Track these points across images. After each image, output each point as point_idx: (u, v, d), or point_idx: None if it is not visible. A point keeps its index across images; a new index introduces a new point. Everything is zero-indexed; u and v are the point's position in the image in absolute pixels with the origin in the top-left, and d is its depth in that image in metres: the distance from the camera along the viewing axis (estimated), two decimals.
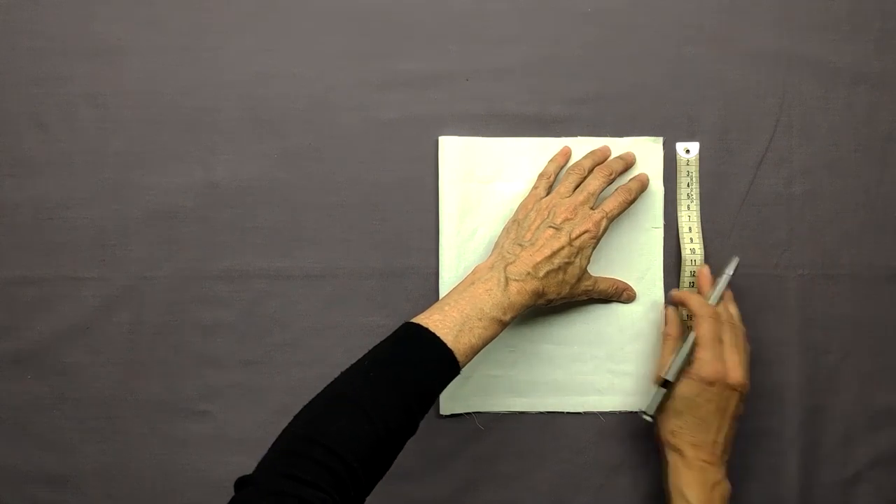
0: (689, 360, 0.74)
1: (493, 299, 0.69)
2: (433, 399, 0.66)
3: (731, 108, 0.82)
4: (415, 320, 0.68)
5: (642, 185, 0.79)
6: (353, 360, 0.80)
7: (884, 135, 0.83)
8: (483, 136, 0.81)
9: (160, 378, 0.80)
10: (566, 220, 0.75)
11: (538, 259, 0.73)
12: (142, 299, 0.80)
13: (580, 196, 0.76)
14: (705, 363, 0.73)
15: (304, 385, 0.80)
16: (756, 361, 0.81)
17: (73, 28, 0.80)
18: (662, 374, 0.75)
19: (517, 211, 0.78)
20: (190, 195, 0.80)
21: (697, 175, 0.81)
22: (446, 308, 0.68)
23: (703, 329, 0.74)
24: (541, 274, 0.72)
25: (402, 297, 0.81)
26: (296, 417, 0.64)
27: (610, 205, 0.76)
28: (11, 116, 0.80)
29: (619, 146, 0.81)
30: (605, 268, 0.81)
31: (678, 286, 0.81)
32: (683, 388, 0.73)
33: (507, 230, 0.78)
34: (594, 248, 0.75)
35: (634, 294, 0.81)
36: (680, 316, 0.79)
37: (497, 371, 0.81)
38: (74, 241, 0.80)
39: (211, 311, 0.80)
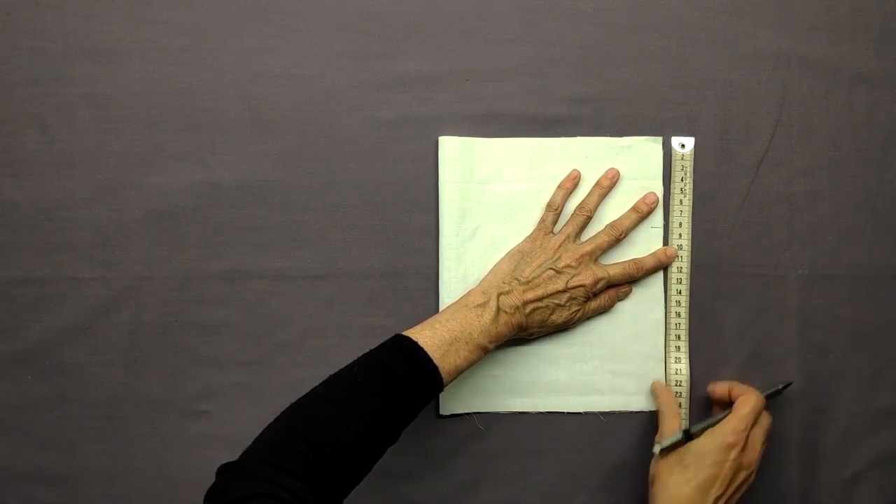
0: (716, 423, 0.74)
1: (482, 326, 0.72)
2: (416, 412, 0.68)
3: (731, 109, 0.82)
4: (406, 333, 0.70)
5: (657, 261, 0.80)
6: (353, 361, 0.80)
7: (884, 135, 0.83)
8: (483, 136, 0.81)
9: (160, 378, 0.80)
10: (568, 266, 0.76)
11: (531, 297, 0.75)
12: (142, 299, 0.80)
13: (588, 247, 0.78)
14: (735, 431, 0.72)
15: (304, 385, 0.80)
16: (756, 361, 0.82)
17: (73, 28, 0.80)
18: (691, 429, 0.74)
19: (525, 241, 0.79)
20: (190, 195, 0.80)
21: (692, 170, 0.81)
22: (437, 326, 0.71)
23: (749, 406, 0.74)
24: (528, 310, 0.75)
25: (402, 297, 0.81)
26: (283, 412, 0.66)
27: (615, 270, 0.78)
28: (11, 116, 0.80)
29: (618, 146, 0.81)
30: None
31: (664, 280, 0.81)
32: (701, 443, 0.73)
33: (510, 256, 0.79)
34: (585, 302, 0.77)
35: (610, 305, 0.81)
36: (667, 389, 0.80)
37: (497, 371, 0.81)
38: (74, 241, 0.80)
39: (211, 311, 0.80)
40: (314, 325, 0.81)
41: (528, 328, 0.76)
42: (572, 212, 0.80)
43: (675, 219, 0.81)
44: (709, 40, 0.82)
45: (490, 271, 0.79)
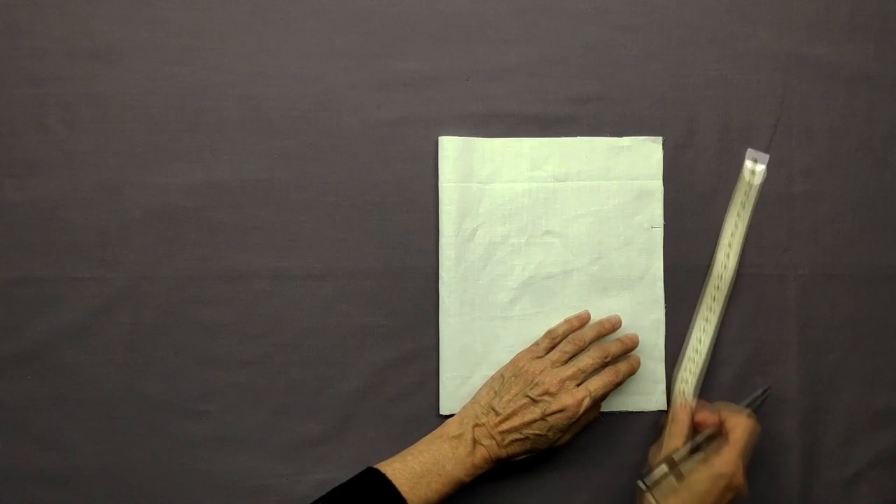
0: (702, 448, 0.73)
1: (456, 458, 0.72)
2: None
3: (731, 108, 0.82)
4: (378, 466, 0.71)
5: (631, 369, 0.77)
6: (353, 361, 0.80)
7: (884, 135, 0.83)
8: (483, 136, 0.81)
9: (160, 378, 0.80)
10: (546, 392, 0.73)
11: (506, 428, 0.73)
12: (142, 299, 0.80)
13: (569, 370, 0.74)
14: (730, 462, 0.71)
15: (304, 385, 0.81)
16: (756, 361, 0.82)
17: (73, 28, 0.80)
18: (675, 457, 0.73)
19: (508, 364, 0.77)
20: (190, 195, 0.80)
21: (757, 192, 0.79)
22: (409, 458, 0.71)
23: (741, 431, 0.73)
24: (506, 442, 0.73)
25: (402, 297, 0.81)
26: None
27: (595, 384, 0.74)
28: (11, 116, 0.80)
29: (618, 146, 0.81)
30: (605, 267, 0.81)
31: (702, 290, 0.81)
32: (696, 476, 0.71)
33: (490, 382, 0.77)
34: (571, 425, 0.74)
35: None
36: (689, 409, 0.77)
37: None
38: (74, 241, 0.80)
39: (211, 311, 0.80)
40: (314, 325, 0.81)
41: (510, 458, 0.74)
42: (567, 340, 0.77)
43: (727, 232, 0.80)
44: (709, 40, 0.82)
45: (471, 398, 0.77)
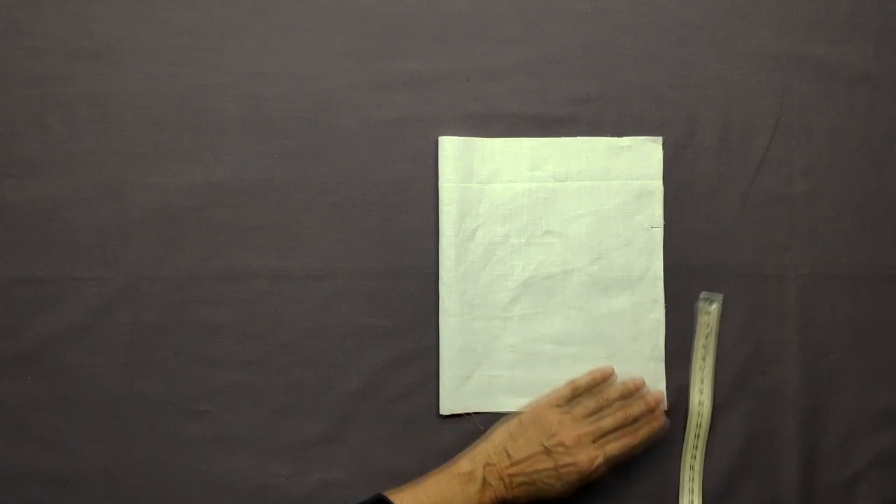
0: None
1: (465, 496, 0.72)
2: None
3: (731, 108, 0.82)
4: (388, 494, 0.71)
5: (652, 433, 0.77)
6: (353, 361, 0.80)
7: (884, 135, 0.83)
8: (483, 136, 0.81)
9: (160, 378, 0.80)
10: (561, 444, 0.73)
11: (516, 471, 0.73)
12: (142, 299, 0.80)
13: (588, 427, 0.75)
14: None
15: (304, 385, 0.81)
16: (756, 361, 0.82)
17: (73, 28, 0.80)
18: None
19: (528, 411, 0.77)
20: (190, 195, 0.80)
21: (716, 329, 0.80)
22: (419, 490, 0.72)
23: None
24: (514, 484, 0.73)
25: (402, 297, 0.81)
26: None
27: (612, 446, 0.75)
28: (11, 116, 0.80)
29: (618, 146, 0.81)
30: (605, 267, 0.81)
31: (684, 436, 0.80)
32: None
33: (507, 425, 0.76)
34: (580, 481, 0.74)
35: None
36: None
37: (497, 371, 0.81)
38: (74, 241, 0.80)
39: (211, 311, 0.80)
40: (314, 325, 0.81)
41: (515, 500, 0.74)
42: (591, 396, 0.77)
43: (696, 373, 0.80)
44: (709, 40, 0.82)
45: (485, 436, 0.77)
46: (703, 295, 0.80)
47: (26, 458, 0.80)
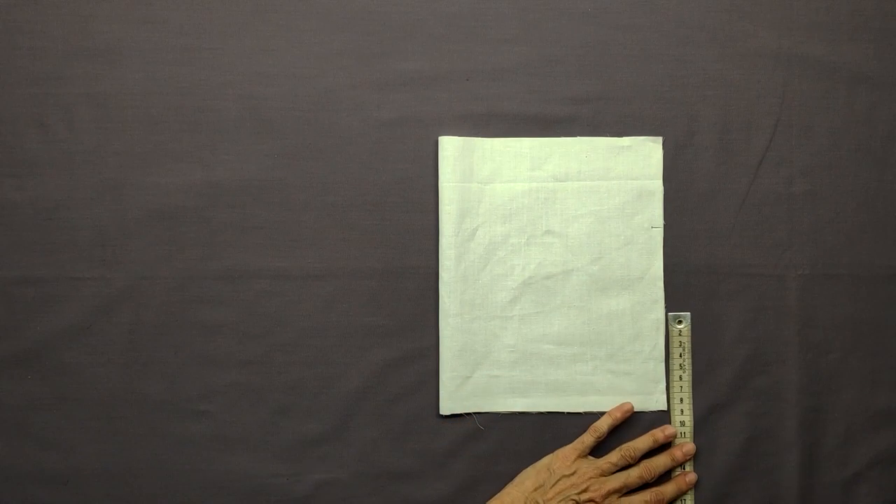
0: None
1: None
2: None
3: (731, 108, 0.82)
4: None
5: (679, 492, 0.79)
6: (353, 361, 0.80)
7: (884, 135, 0.83)
8: (483, 136, 0.81)
9: (160, 378, 0.80)
10: (591, 501, 0.75)
11: None
12: (142, 299, 0.80)
13: (616, 483, 0.76)
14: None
15: (304, 385, 0.81)
16: (756, 361, 0.82)
17: (73, 28, 0.80)
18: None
19: (557, 458, 0.78)
20: (190, 195, 0.80)
21: (690, 346, 0.81)
22: None
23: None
24: None
25: (402, 297, 0.81)
26: None
27: (636, 501, 0.77)
28: (11, 116, 0.80)
29: (618, 146, 0.81)
30: (605, 267, 0.81)
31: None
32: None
33: (537, 471, 0.77)
34: None
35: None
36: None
37: (497, 371, 0.81)
38: (74, 241, 0.80)
39: (211, 311, 0.80)
40: (314, 325, 0.81)
41: None
42: (618, 451, 0.78)
43: (675, 395, 0.81)
44: (709, 40, 0.82)
45: (513, 481, 0.78)
46: (670, 315, 0.81)
47: (26, 458, 0.80)
